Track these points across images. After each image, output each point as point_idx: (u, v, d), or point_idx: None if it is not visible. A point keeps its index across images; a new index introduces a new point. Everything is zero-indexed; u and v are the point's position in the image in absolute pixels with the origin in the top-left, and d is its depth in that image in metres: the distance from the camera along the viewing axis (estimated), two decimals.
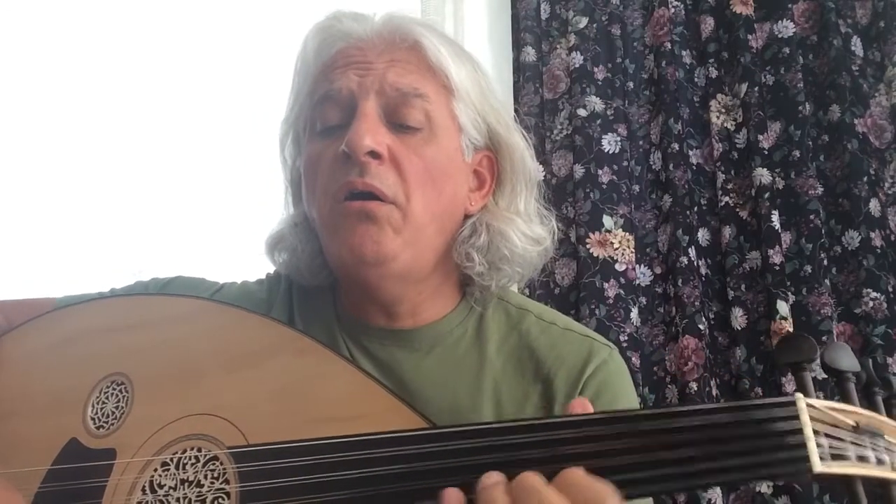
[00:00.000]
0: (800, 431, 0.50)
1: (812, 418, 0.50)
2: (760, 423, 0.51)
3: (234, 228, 1.79)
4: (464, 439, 0.60)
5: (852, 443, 0.51)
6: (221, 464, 0.70)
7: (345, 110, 0.87)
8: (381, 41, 0.89)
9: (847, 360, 0.55)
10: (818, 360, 0.55)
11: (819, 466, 0.49)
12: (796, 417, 0.51)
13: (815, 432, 0.50)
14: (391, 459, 0.62)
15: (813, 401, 0.51)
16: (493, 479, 0.56)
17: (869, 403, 0.55)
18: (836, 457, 0.50)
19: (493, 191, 0.97)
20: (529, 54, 2.26)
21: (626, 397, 0.93)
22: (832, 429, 0.51)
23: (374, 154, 0.83)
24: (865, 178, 1.88)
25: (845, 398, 0.54)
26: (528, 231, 0.96)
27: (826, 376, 0.59)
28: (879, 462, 0.51)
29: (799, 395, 0.51)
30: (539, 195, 1.01)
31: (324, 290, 0.98)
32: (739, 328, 1.92)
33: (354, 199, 0.84)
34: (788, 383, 1.81)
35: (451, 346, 0.93)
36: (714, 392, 1.89)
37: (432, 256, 0.90)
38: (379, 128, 0.85)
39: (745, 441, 0.51)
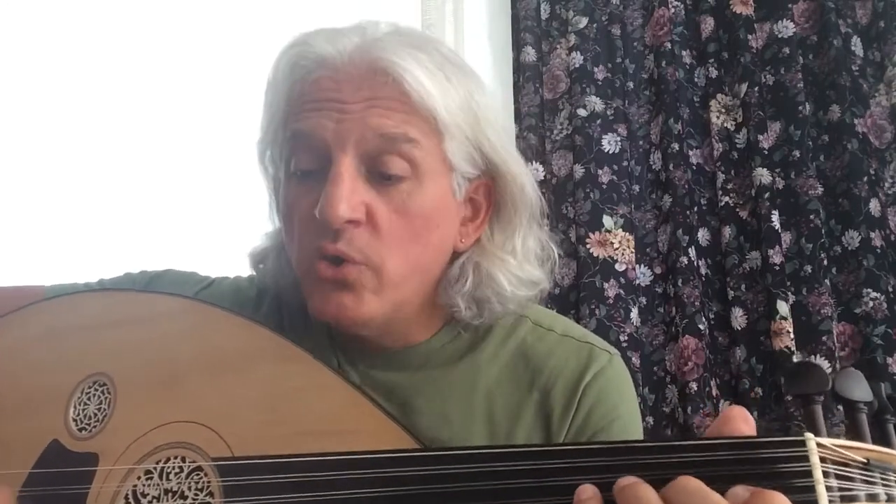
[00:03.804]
0: (809, 474, 0.49)
1: (822, 459, 0.49)
2: (766, 464, 0.50)
3: (228, 223, 1.79)
4: (458, 464, 0.59)
5: (862, 480, 0.50)
6: (206, 475, 0.69)
7: (319, 159, 0.79)
8: (357, 71, 0.79)
9: (859, 389, 0.54)
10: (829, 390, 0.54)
11: None
12: (805, 459, 0.49)
13: (825, 474, 0.48)
14: (379, 481, 0.60)
15: (823, 440, 0.50)
16: (588, 493, 0.54)
17: (880, 430, 0.54)
18: (846, 498, 0.48)
19: (488, 219, 0.89)
20: (529, 54, 2.25)
21: (627, 406, 0.90)
22: (842, 468, 0.49)
23: (350, 220, 0.77)
24: (865, 178, 1.89)
25: (856, 431, 0.53)
26: (520, 273, 0.89)
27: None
28: (889, 499, 0.50)
29: (809, 436, 0.49)
30: (543, 221, 0.94)
31: None
32: (739, 328, 1.93)
33: (328, 261, 0.79)
34: None
35: (444, 359, 0.90)
36: (714, 392, 1.89)
37: (416, 302, 0.86)
38: (356, 187, 0.77)
39: (750, 481, 0.50)
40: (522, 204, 0.89)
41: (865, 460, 0.51)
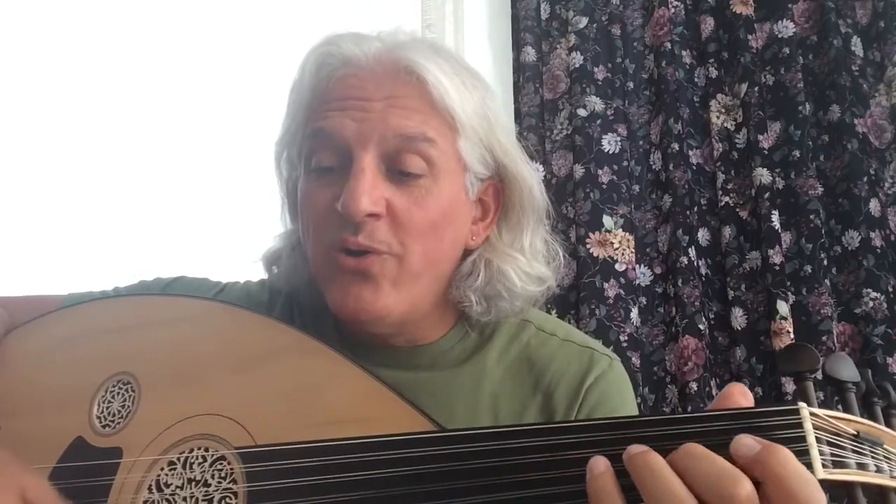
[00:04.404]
0: (803, 439, 0.51)
1: (814, 426, 0.51)
2: (763, 431, 0.52)
3: (237, 228, 1.79)
4: (474, 442, 0.61)
5: (853, 450, 0.51)
6: (229, 464, 0.70)
7: (340, 157, 0.82)
8: (382, 70, 0.83)
9: (848, 370, 0.56)
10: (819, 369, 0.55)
11: (821, 473, 0.49)
12: (799, 426, 0.51)
13: (818, 440, 0.51)
14: (400, 461, 0.62)
15: (815, 409, 0.51)
16: (601, 466, 0.55)
17: (868, 413, 0.56)
18: (838, 464, 0.50)
19: (497, 220, 0.93)
20: (529, 54, 2.26)
21: (627, 409, 0.92)
22: (833, 437, 0.51)
23: (371, 214, 0.80)
24: (865, 178, 1.89)
25: (846, 408, 0.54)
26: (529, 270, 0.92)
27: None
28: (878, 470, 0.51)
29: (802, 405, 0.52)
30: (549, 228, 0.96)
31: (324, 306, 0.93)
32: (739, 328, 1.93)
33: (349, 254, 0.81)
34: (788, 383, 1.81)
35: (451, 361, 0.93)
36: (714, 392, 1.89)
37: (430, 299, 0.88)
38: (377, 183, 0.80)
39: None
40: (530, 205, 0.92)
41: (855, 432, 0.53)
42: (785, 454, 0.49)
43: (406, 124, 0.81)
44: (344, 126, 0.81)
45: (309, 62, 0.87)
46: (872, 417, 0.56)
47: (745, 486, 0.49)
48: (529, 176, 0.91)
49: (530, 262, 0.92)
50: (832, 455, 0.50)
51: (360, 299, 0.81)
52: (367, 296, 0.81)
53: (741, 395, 0.57)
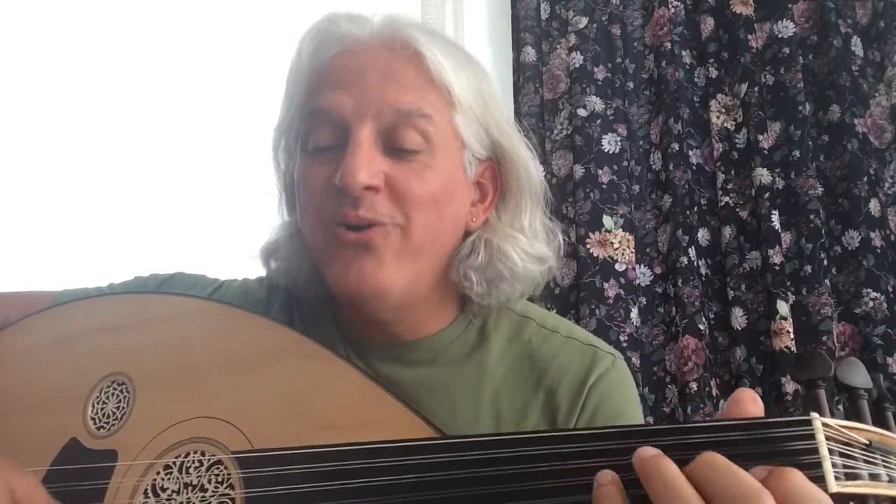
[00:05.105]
0: (815, 451, 0.50)
1: (827, 438, 0.50)
2: (775, 442, 0.51)
3: (234, 225, 1.79)
4: (477, 450, 0.60)
5: (865, 461, 0.51)
6: (226, 468, 0.69)
7: (337, 134, 0.82)
8: (380, 44, 0.84)
9: (860, 377, 0.55)
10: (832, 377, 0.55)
11: (834, 486, 0.49)
12: (811, 437, 0.51)
13: (830, 451, 0.50)
14: (400, 469, 0.61)
15: (828, 420, 0.51)
16: (608, 477, 0.54)
17: (879, 419, 0.55)
18: (850, 476, 0.50)
19: (495, 203, 0.92)
20: (529, 54, 2.26)
21: (630, 407, 0.92)
22: (845, 447, 0.51)
23: (370, 187, 0.80)
24: (865, 178, 1.89)
25: (858, 416, 0.54)
26: (530, 249, 0.91)
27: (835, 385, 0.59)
28: (891, 480, 0.51)
29: (814, 415, 0.51)
30: (546, 208, 0.96)
31: (323, 299, 0.95)
32: (739, 328, 1.93)
33: (349, 229, 0.80)
34: (788, 383, 1.82)
35: (451, 356, 0.92)
36: (714, 392, 1.89)
37: (431, 278, 0.87)
38: (374, 157, 0.80)
39: (759, 459, 0.51)
40: (527, 186, 0.92)
41: (867, 442, 0.52)
42: (793, 479, 0.48)
43: (402, 99, 0.81)
44: (341, 103, 0.81)
45: (305, 42, 0.87)
46: (884, 424, 0.55)
47: None
48: (526, 156, 0.91)
49: (531, 242, 0.92)
50: (844, 467, 0.50)
51: (363, 271, 0.80)
52: (369, 268, 0.81)
53: (751, 402, 0.55)
